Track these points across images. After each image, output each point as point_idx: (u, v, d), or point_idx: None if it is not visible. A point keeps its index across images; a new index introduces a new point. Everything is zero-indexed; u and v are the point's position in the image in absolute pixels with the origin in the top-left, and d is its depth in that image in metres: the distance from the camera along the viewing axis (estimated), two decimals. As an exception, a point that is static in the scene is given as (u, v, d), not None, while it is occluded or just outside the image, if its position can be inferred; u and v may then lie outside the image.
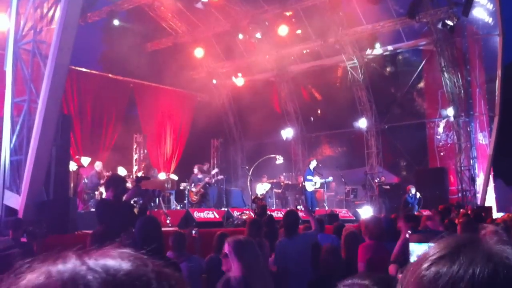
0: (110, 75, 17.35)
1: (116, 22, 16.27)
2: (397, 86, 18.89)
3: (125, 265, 0.68)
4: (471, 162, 16.46)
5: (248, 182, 13.17)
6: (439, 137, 17.36)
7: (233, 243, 3.42)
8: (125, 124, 16.78)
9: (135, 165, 16.62)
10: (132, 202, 6.65)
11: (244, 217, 10.49)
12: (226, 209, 11.94)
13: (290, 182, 16.40)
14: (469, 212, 10.43)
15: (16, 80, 8.54)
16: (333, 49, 17.71)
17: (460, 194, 16.22)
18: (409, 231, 4.84)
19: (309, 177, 13.65)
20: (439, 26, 15.03)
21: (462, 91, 16.46)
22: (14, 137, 8.32)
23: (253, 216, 9.64)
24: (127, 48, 15.41)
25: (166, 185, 13.84)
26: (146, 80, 17.94)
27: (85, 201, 12.28)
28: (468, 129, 16.67)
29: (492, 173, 16.53)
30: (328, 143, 20.59)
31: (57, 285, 0.65)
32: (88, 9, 15.49)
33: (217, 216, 10.93)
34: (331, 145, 20.54)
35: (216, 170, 15.68)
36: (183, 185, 14.21)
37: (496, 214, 13.46)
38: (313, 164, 13.90)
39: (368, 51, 17.53)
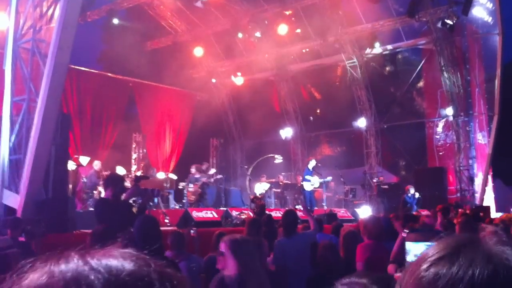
0: (109, 74, 17.34)
1: (115, 21, 16.26)
2: (396, 85, 18.89)
3: (128, 265, 0.68)
4: (470, 161, 16.47)
5: (247, 182, 13.18)
6: (438, 136, 17.36)
7: (229, 241, 3.46)
8: (124, 123, 16.76)
9: (134, 164, 16.61)
10: (131, 201, 6.65)
11: (243, 217, 10.49)
12: (225, 209, 11.94)
13: (289, 182, 16.39)
14: (467, 211, 10.43)
15: (16, 79, 8.54)
16: (332, 48, 17.70)
17: (459, 194, 16.23)
18: (406, 230, 4.85)
19: (307, 177, 13.65)
20: (439, 25, 15.02)
21: (462, 91, 16.47)
22: (13, 136, 8.32)
23: (252, 215, 9.63)
24: (127, 47, 15.39)
25: (165, 185, 13.84)
26: (146, 79, 17.92)
27: (84, 200, 12.27)
28: (467, 129, 16.67)
29: (491, 173, 16.55)
30: (327, 142, 20.58)
31: (59, 285, 0.64)
32: (88, 8, 15.45)
33: (216, 216, 10.92)
34: (330, 145, 20.53)
35: (214, 170, 15.66)
36: (182, 185, 14.20)
37: (494, 214, 13.46)
38: (312, 163, 13.90)
39: (368, 50, 17.52)
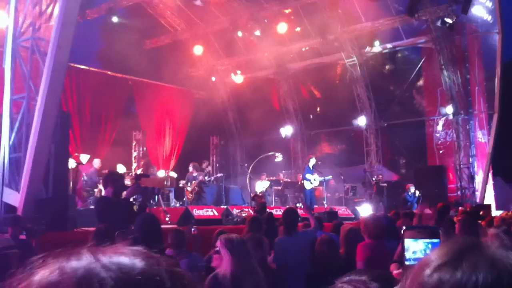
0: (109, 72, 17.31)
1: (115, 19, 16.23)
2: (396, 84, 18.89)
3: (139, 263, 0.68)
4: (470, 160, 16.48)
5: (248, 180, 13.16)
6: (438, 135, 17.37)
7: (225, 240, 3.51)
8: (124, 121, 16.75)
9: (134, 162, 16.61)
10: (131, 199, 6.65)
11: (243, 215, 10.50)
12: (225, 207, 11.94)
13: (289, 180, 16.40)
14: (468, 210, 10.44)
15: (15, 77, 8.52)
16: (332, 47, 17.69)
17: (459, 192, 16.24)
18: (404, 227, 4.83)
19: (307, 175, 13.64)
20: (438, 24, 15.00)
21: (462, 89, 16.47)
22: (13, 134, 8.31)
23: (252, 213, 9.64)
24: (126, 45, 15.37)
25: (165, 183, 13.84)
26: (145, 77, 17.91)
27: (84, 198, 12.27)
28: (467, 127, 16.68)
29: (491, 171, 16.55)
30: (327, 140, 20.58)
31: (71, 282, 0.63)
32: (87, 6, 15.45)
33: (216, 214, 10.93)
34: (330, 143, 20.53)
35: (210, 168, 15.60)
36: (182, 183, 14.20)
37: (495, 212, 13.47)
38: (312, 161, 13.90)
39: (367, 49, 17.52)
